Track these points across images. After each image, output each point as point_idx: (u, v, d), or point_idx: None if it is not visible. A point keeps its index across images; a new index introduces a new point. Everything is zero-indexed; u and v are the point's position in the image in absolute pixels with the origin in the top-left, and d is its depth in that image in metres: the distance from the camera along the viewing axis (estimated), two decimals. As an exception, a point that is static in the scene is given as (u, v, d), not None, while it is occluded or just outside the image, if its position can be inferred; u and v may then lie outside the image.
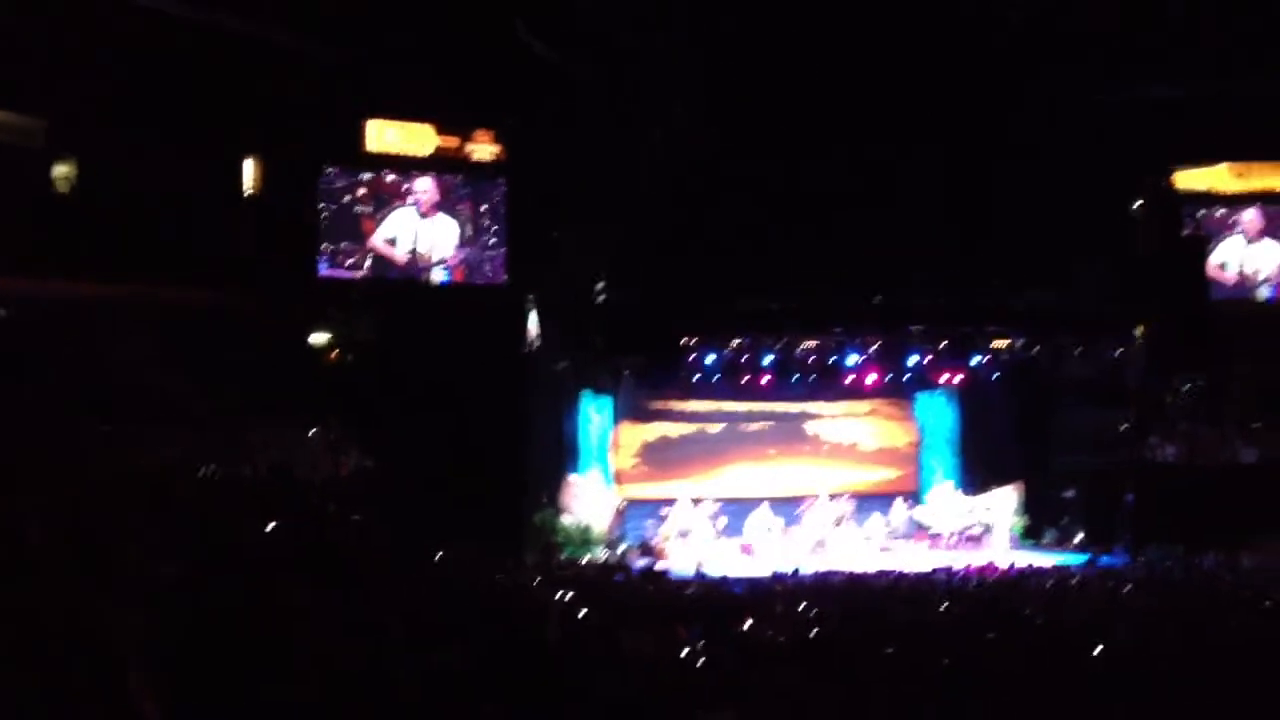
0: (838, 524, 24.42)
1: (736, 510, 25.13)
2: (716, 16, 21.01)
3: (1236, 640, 9.48)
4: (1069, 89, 22.74)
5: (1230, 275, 25.07)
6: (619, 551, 23.36)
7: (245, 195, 20.63)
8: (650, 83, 21.61)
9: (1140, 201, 24.59)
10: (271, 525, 7.22)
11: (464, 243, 22.29)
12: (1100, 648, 8.70)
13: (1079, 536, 24.50)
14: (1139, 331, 24.12)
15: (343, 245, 21.67)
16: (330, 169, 21.66)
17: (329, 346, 21.32)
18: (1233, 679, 6.25)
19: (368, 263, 21.83)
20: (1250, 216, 25.01)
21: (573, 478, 24.67)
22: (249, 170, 20.69)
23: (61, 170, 17.86)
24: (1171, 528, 21.50)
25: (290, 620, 3.39)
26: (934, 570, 19.94)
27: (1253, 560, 18.80)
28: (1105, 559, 21.70)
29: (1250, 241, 25.05)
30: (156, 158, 17.85)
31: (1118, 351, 24.35)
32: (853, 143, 22.41)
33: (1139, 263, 24.28)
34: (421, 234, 22.18)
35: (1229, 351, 23.82)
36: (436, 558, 9.94)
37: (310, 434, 19.21)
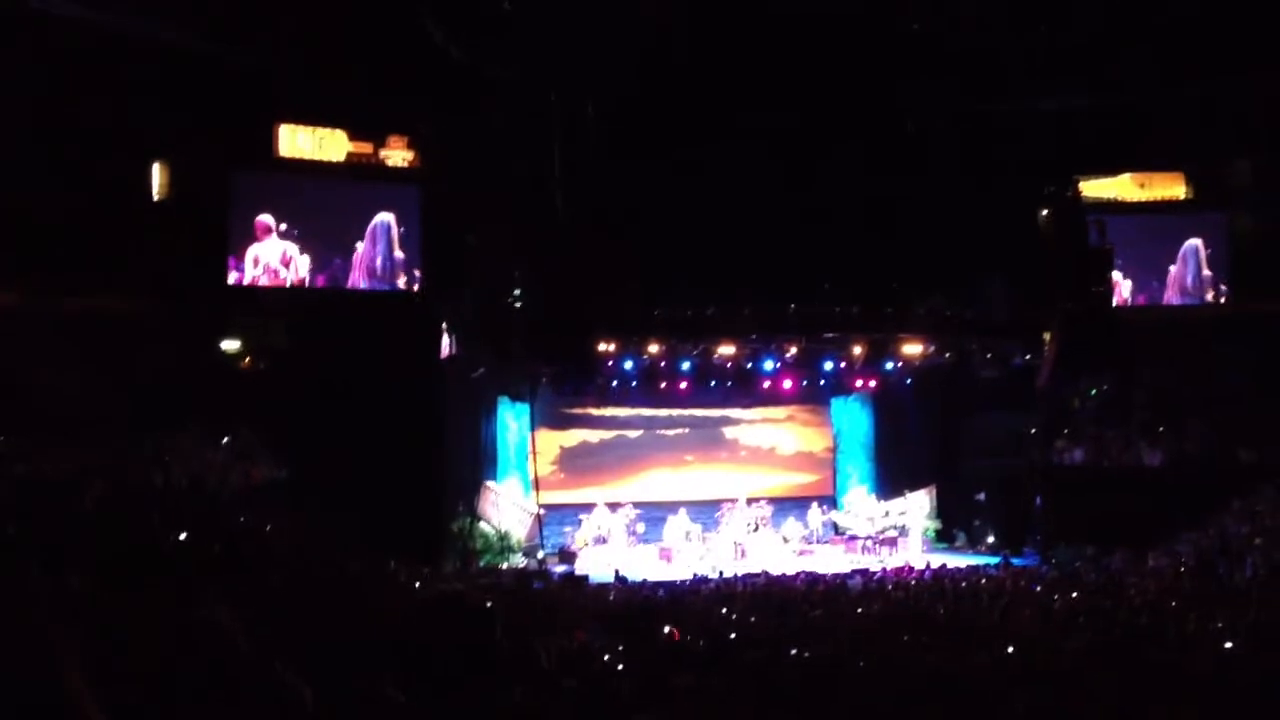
0: (755, 528, 24.57)
1: (655, 515, 25.18)
2: (636, 24, 21.03)
3: (1142, 637, 9.73)
4: (973, 100, 23.15)
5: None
6: (538, 558, 23.26)
7: (153, 200, 20.18)
8: (564, 84, 21.55)
9: (1046, 210, 25.15)
10: (184, 535, 7.06)
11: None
12: (1012, 647, 8.86)
13: (990, 538, 24.95)
14: (1046, 337, 24.62)
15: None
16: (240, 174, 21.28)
17: (240, 354, 20.93)
18: (1139, 674, 6.40)
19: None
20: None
21: (490, 485, 24.52)
22: (156, 175, 20.25)
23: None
24: (1080, 529, 21.97)
25: (207, 635, 3.30)
26: (850, 573, 20.17)
27: (1158, 560, 19.28)
28: (1016, 560, 22.14)
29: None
30: (61, 163, 17.39)
31: (1025, 357, 24.84)
32: (766, 153, 22.60)
33: (1045, 270, 24.78)
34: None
35: (1133, 356, 24.40)
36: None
37: (221, 443, 18.84)
